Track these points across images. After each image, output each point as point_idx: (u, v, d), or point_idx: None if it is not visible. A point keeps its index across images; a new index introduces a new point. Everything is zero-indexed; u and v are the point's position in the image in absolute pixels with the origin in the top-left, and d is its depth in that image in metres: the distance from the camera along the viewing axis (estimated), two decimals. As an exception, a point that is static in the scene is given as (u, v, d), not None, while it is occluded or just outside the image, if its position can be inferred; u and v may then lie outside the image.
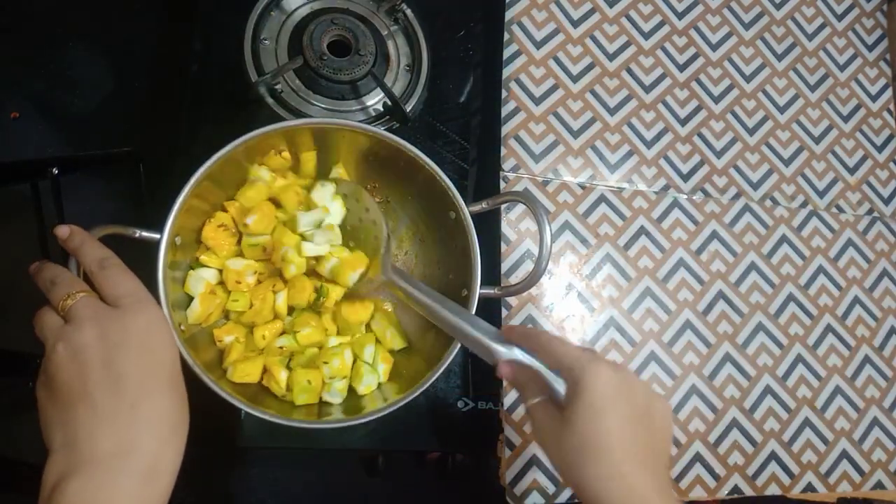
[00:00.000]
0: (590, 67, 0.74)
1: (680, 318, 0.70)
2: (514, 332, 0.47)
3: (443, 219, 0.56)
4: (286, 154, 0.53)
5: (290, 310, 0.54)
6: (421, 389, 0.49)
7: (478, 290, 0.52)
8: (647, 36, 0.77)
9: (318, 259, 0.52)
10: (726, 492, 0.67)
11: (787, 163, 0.78)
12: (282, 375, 0.51)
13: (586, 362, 0.40)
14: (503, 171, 0.68)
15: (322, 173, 0.56)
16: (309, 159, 0.55)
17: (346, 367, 0.52)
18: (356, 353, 0.54)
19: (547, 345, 0.43)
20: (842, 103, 0.82)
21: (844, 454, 0.71)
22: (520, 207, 0.68)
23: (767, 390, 0.71)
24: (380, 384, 0.54)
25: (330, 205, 0.54)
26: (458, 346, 0.49)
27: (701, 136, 0.76)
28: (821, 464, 0.70)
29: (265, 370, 0.51)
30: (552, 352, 0.43)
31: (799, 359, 0.73)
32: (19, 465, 0.54)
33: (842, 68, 0.83)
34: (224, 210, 0.53)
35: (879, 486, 0.72)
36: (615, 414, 0.39)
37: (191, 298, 0.51)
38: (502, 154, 0.69)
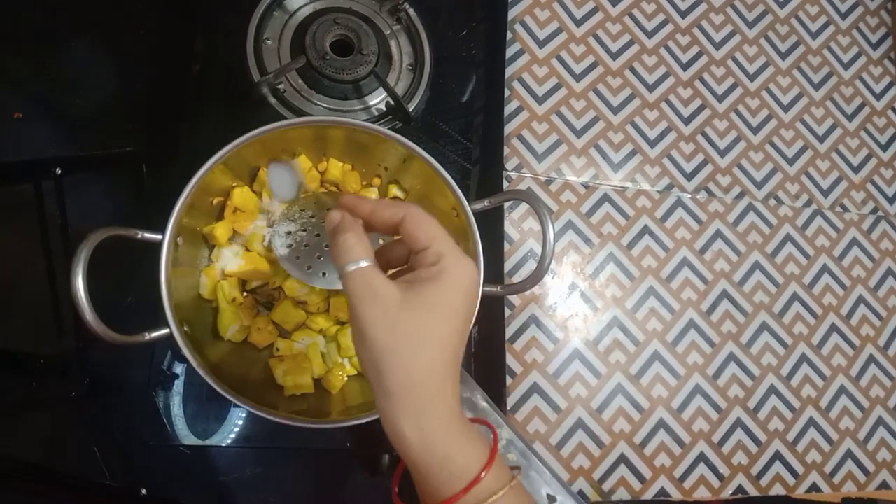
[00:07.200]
0: (593, 66, 0.73)
1: (684, 318, 0.70)
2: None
3: (446, 217, 0.55)
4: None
5: None
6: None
7: (480, 288, 0.51)
8: (650, 35, 0.76)
9: None
10: (730, 492, 0.67)
11: (791, 161, 0.78)
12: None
13: (456, 256, 0.34)
14: (506, 170, 0.68)
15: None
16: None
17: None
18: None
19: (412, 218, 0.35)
20: (846, 101, 0.82)
21: (849, 454, 0.71)
22: (523, 207, 0.68)
23: (772, 390, 0.70)
24: None
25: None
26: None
27: (704, 134, 0.75)
28: (825, 464, 0.70)
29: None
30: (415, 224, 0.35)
31: (803, 358, 0.72)
32: (19, 465, 0.54)
33: (846, 66, 0.83)
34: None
35: (884, 486, 0.71)
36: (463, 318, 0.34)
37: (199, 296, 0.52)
38: (505, 153, 0.69)
